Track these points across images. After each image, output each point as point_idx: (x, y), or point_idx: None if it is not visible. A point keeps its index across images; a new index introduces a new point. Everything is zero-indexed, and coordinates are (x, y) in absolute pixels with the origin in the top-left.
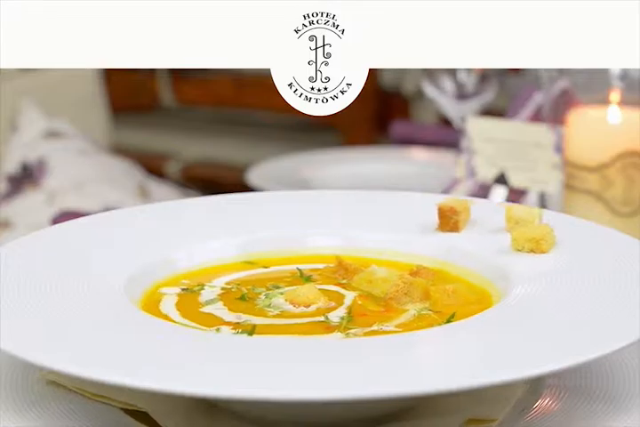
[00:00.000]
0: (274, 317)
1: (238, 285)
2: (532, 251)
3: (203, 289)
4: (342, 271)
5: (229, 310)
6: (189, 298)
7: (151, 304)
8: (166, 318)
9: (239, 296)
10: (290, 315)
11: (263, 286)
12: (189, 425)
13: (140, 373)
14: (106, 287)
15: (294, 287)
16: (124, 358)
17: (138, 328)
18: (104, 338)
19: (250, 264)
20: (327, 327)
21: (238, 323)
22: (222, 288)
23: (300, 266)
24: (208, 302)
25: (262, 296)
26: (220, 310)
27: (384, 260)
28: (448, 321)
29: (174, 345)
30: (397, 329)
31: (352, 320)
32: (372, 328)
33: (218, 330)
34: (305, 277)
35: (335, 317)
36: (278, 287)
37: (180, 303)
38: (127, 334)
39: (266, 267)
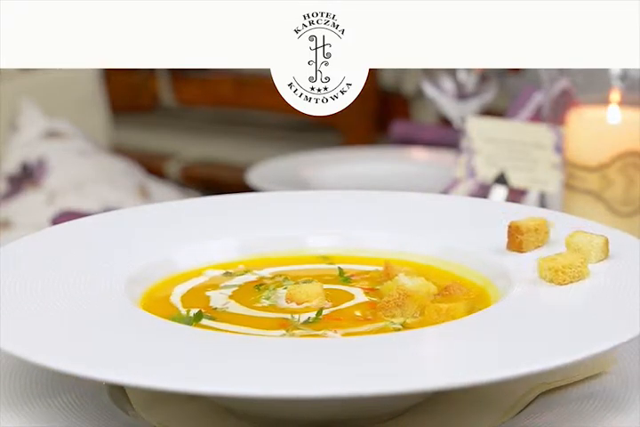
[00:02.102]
0: (256, 308)
1: (279, 276)
2: (550, 281)
3: (242, 275)
4: (384, 276)
5: (230, 296)
6: (216, 281)
7: (162, 295)
8: (166, 297)
9: (256, 285)
10: (272, 309)
11: (296, 279)
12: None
13: (140, 372)
14: (106, 287)
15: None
16: (124, 357)
17: (138, 328)
18: (104, 338)
19: (324, 259)
20: (281, 324)
21: (215, 309)
22: (260, 277)
23: (355, 266)
24: (225, 287)
25: (272, 288)
26: (222, 295)
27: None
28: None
29: (176, 345)
30: (339, 336)
31: (317, 322)
32: (318, 332)
33: (188, 312)
34: (343, 278)
35: (305, 316)
36: (308, 283)
37: (201, 285)
38: (127, 334)
39: (332, 263)
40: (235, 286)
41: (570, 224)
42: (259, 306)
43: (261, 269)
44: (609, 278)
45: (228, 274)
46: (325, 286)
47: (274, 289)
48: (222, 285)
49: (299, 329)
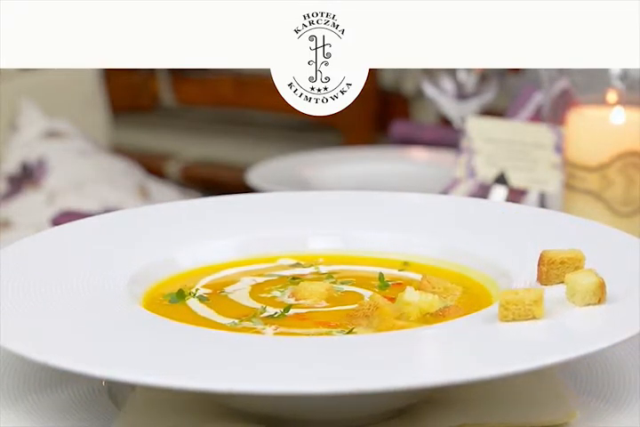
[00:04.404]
0: (253, 298)
1: (328, 273)
2: (499, 315)
3: (306, 268)
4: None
5: (255, 284)
6: (271, 270)
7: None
8: (200, 278)
9: (291, 278)
10: (266, 301)
11: (338, 279)
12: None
13: (140, 370)
14: (108, 288)
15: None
16: (125, 356)
17: (139, 328)
18: (106, 337)
19: (404, 264)
20: (244, 315)
21: (220, 293)
22: (315, 272)
23: (413, 275)
24: (269, 275)
25: (297, 283)
26: (252, 281)
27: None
28: None
29: (177, 345)
30: (270, 335)
31: (280, 318)
32: (260, 326)
33: (194, 292)
34: (383, 283)
35: (273, 311)
36: (318, 282)
37: (253, 271)
38: (128, 333)
39: (403, 270)
40: (277, 275)
41: (569, 221)
42: (260, 296)
43: (330, 265)
44: (609, 279)
45: (297, 264)
46: (344, 288)
47: (298, 284)
48: (268, 273)
49: (250, 321)
